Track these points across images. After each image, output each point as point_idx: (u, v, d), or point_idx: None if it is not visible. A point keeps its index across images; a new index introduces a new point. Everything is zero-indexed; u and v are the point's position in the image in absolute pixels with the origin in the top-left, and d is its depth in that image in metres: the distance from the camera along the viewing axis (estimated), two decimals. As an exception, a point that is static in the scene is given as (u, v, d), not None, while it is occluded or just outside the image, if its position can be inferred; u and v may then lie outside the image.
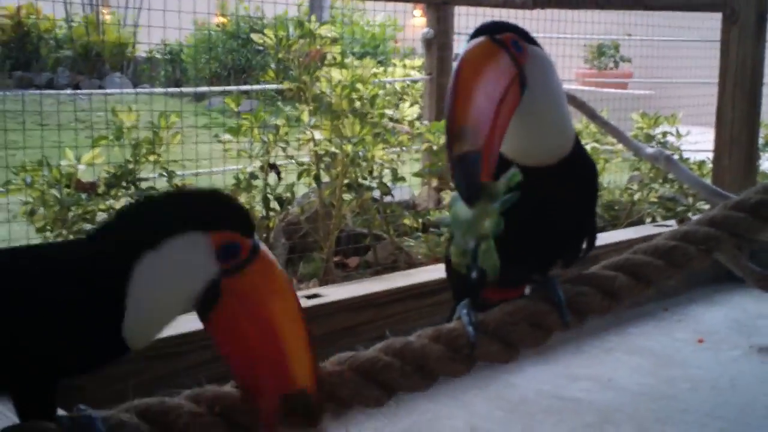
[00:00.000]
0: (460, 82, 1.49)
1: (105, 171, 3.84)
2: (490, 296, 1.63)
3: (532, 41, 1.59)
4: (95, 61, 13.85)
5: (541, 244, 1.62)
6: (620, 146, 5.11)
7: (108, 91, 9.52)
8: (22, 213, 3.64)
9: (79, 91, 10.17)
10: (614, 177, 5.63)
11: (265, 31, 4.50)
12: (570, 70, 11.52)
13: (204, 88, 11.26)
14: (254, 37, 4.65)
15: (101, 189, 3.75)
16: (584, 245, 1.71)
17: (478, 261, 1.44)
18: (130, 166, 3.85)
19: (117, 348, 1.27)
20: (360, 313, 3.04)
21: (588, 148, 4.82)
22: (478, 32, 1.56)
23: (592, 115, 4.16)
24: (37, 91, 8.04)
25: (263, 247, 1.31)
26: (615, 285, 1.61)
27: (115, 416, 1.23)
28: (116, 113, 3.88)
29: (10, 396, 1.29)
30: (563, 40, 8.68)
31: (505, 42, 1.53)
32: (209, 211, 1.30)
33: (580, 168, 1.65)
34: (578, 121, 4.99)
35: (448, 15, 5.34)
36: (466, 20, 5.78)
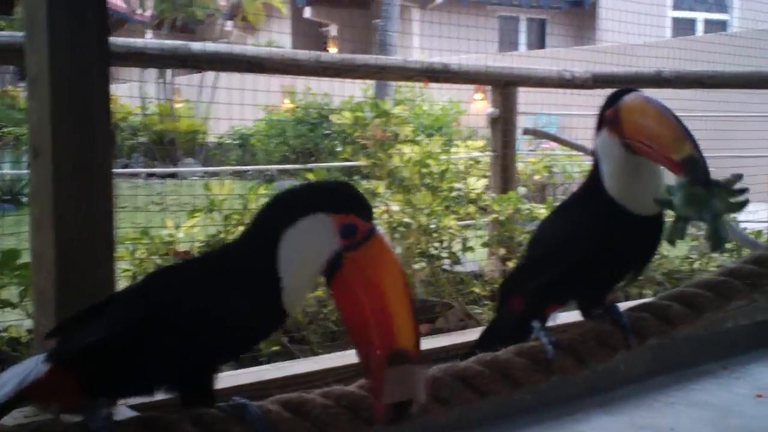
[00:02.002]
0: (670, 113, 1.86)
1: (199, 241, 4.18)
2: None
3: None
4: (168, 147, 14.48)
5: (613, 278, 1.93)
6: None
7: (206, 168, 9.98)
8: (124, 278, 3.98)
9: (182, 169, 10.69)
10: (674, 248, 5.83)
11: (343, 112, 4.87)
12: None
13: (280, 167, 11.69)
14: (333, 117, 5.02)
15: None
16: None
17: (710, 235, 1.72)
18: (221, 235, 4.18)
19: (280, 318, 1.59)
20: (434, 363, 3.28)
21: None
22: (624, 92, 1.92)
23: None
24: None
25: (380, 231, 1.58)
26: (671, 312, 1.88)
27: (264, 405, 1.53)
28: (209, 187, 4.25)
29: (173, 388, 1.59)
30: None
31: None
32: (335, 197, 1.59)
33: (659, 224, 1.95)
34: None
35: (512, 94, 5.62)
36: (526, 97, 6.09)
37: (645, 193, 1.88)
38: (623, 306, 1.97)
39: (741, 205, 1.74)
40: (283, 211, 1.59)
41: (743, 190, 1.75)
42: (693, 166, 1.75)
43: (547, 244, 2.08)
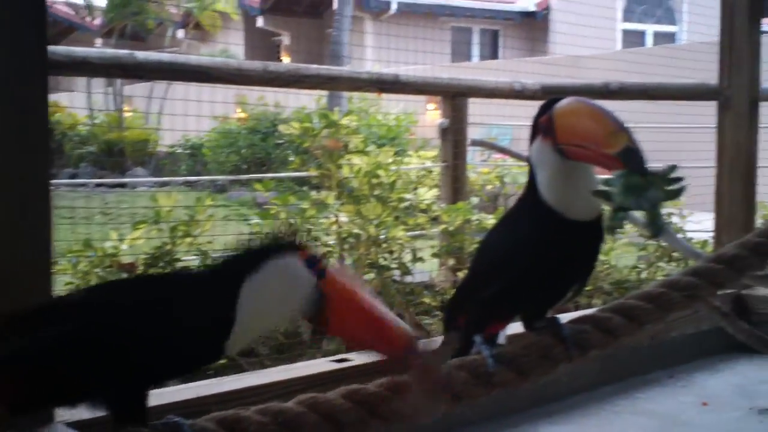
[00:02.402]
0: (601, 109, 1.88)
1: (144, 252, 4.12)
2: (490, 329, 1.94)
3: None
4: (118, 157, 14.33)
5: (557, 289, 1.92)
6: (628, 227, 5.40)
7: (156, 179, 9.91)
8: (65, 291, 3.91)
9: (139, 179, 10.57)
10: (622, 257, 5.90)
11: (292, 122, 4.86)
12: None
13: (231, 177, 11.67)
14: (281, 127, 5.00)
15: (140, 269, 4.03)
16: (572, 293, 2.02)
17: (649, 222, 1.77)
18: (168, 247, 4.13)
19: (217, 355, 1.60)
20: (384, 376, 3.26)
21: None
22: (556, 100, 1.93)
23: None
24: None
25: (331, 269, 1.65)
26: (611, 324, 1.88)
27: (199, 423, 1.50)
28: (155, 198, 4.20)
29: (105, 404, 1.56)
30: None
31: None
32: (291, 239, 1.66)
33: (598, 230, 1.95)
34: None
35: (463, 105, 5.64)
36: (479, 108, 6.12)
37: (580, 199, 1.89)
38: (566, 317, 1.97)
39: (678, 192, 1.78)
40: (246, 258, 1.64)
41: (680, 179, 1.79)
42: (629, 157, 1.77)
43: (486, 257, 2.08)
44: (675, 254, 5.22)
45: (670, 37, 21.83)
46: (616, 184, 1.75)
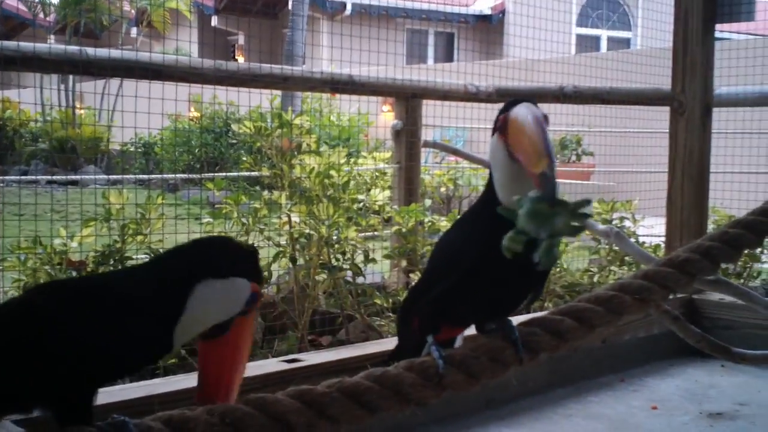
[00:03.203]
0: (542, 129, 1.83)
1: (94, 250, 4.06)
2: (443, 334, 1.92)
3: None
4: (70, 154, 14.14)
5: (505, 291, 1.90)
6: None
7: (108, 177, 9.80)
8: (14, 288, 3.83)
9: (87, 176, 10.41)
10: (574, 260, 5.94)
11: (244, 121, 4.81)
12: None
13: (184, 176, 11.56)
14: (234, 126, 4.97)
15: (90, 267, 3.97)
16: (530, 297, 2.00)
17: (543, 252, 1.72)
18: (118, 245, 4.07)
19: (165, 350, 1.61)
20: (336, 376, 3.24)
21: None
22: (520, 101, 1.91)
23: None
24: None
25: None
26: (562, 327, 1.88)
27: (145, 423, 1.47)
28: (107, 195, 4.13)
29: (47, 405, 1.53)
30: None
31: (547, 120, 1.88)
32: (254, 264, 1.75)
33: None
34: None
35: (417, 107, 5.65)
36: (433, 110, 6.13)
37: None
38: (517, 320, 1.96)
39: (578, 230, 1.75)
40: (204, 263, 1.68)
41: (586, 215, 1.79)
42: (543, 182, 1.75)
43: (436, 256, 2.07)
44: (627, 258, 5.26)
45: (624, 43, 22.10)
46: (524, 206, 1.74)
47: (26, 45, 3.24)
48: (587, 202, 1.76)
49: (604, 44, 22.22)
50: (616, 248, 5.32)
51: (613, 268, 5.47)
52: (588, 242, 5.59)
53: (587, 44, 21.78)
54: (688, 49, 4.75)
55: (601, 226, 4.55)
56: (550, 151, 1.78)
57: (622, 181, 10.71)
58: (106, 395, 2.60)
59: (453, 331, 2.02)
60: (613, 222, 5.57)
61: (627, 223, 5.63)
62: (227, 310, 1.68)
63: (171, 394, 2.72)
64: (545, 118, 1.86)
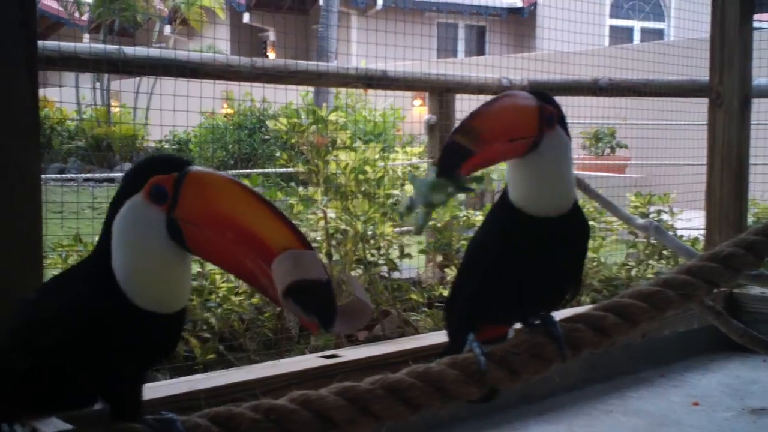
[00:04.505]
0: (499, 104, 1.85)
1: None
2: (483, 332, 1.90)
3: (565, 127, 1.90)
4: (105, 151, 14.27)
5: (535, 287, 1.88)
6: (616, 224, 5.41)
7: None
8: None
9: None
10: (611, 254, 5.89)
11: (279, 118, 4.83)
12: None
13: (226, 172, 11.61)
14: (269, 123, 4.97)
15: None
16: (570, 293, 1.98)
17: (417, 218, 1.77)
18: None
19: (155, 317, 1.50)
20: (373, 371, 3.25)
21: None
22: (535, 94, 1.88)
23: (585, 189, 4.42)
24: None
25: (193, 168, 1.52)
26: (605, 323, 1.86)
27: (192, 420, 1.48)
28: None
29: (105, 401, 1.55)
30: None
31: (544, 111, 1.85)
32: (134, 176, 1.54)
33: (575, 225, 1.92)
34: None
35: (450, 101, 5.64)
36: (468, 104, 6.11)
37: (541, 195, 1.86)
38: (559, 315, 1.95)
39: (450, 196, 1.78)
40: (109, 211, 1.54)
41: (470, 189, 1.79)
42: (448, 150, 1.78)
43: (465, 256, 2.07)
44: (665, 252, 5.22)
45: (658, 34, 21.90)
46: (426, 177, 1.76)
47: (67, 45, 3.29)
48: (482, 180, 1.77)
49: (637, 35, 22.03)
50: (654, 242, 5.27)
51: (651, 262, 5.43)
52: (625, 236, 5.55)
53: (620, 36, 21.61)
54: (726, 40, 4.69)
55: (641, 220, 4.51)
56: (464, 121, 1.80)
57: (657, 174, 10.60)
58: (149, 391, 2.63)
59: (496, 329, 2.01)
60: (651, 215, 5.52)
61: (664, 217, 5.58)
62: (142, 236, 1.48)
63: (212, 390, 2.74)
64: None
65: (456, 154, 1.76)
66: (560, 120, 1.88)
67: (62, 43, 3.29)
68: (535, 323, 1.91)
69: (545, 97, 1.89)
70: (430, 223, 4.90)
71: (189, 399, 2.65)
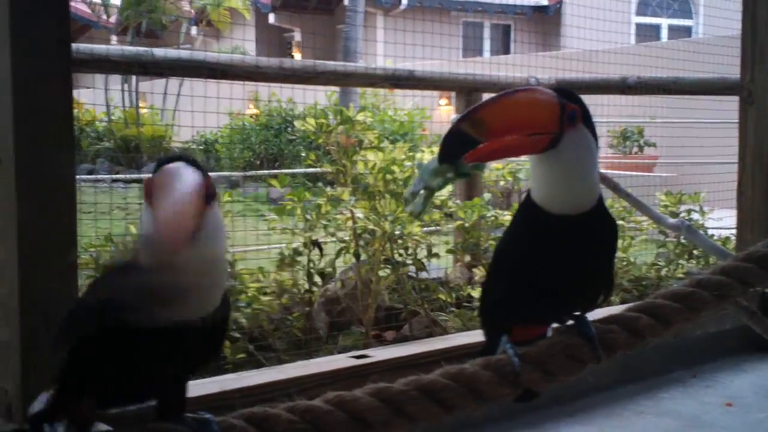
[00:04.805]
0: (514, 96, 1.83)
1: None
2: (518, 333, 1.89)
3: (590, 126, 1.86)
4: (134, 152, 14.37)
5: (563, 288, 1.86)
6: (645, 223, 5.37)
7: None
8: (87, 284, 3.90)
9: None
10: (641, 254, 5.86)
11: (307, 118, 4.84)
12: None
13: (247, 173, 11.67)
14: (297, 123, 4.98)
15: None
16: (602, 294, 1.95)
17: (416, 202, 1.78)
18: (186, 242, 4.10)
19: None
20: (403, 372, 3.26)
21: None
22: (559, 91, 1.85)
23: (615, 188, 4.39)
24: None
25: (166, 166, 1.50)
26: (639, 324, 1.85)
27: (227, 420, 1.49)
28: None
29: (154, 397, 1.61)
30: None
31: (565, 107, 1.81)
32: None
33: (600, 223, 1.88)
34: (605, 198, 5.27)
35: (476, 100, 5.62)
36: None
37: (561, 192, 1.83)
38: (593, 316, 1.93)
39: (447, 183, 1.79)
40: None
41: (467, 174, 1.79)
42: (452, 135, 1.77)
43: (493, 257, 2.05)
44: (695, 251, 5.18)
45: (685, 31, 21.72)
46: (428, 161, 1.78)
47: (99, 47, 3.33)
48: (480, 167, 1.80)
49: (664, 33, 21.86)
50: (684, 241, 5.24)
51: (681, 261, 5.39)
52: (655, 236, 5.52)
53: (647, 33, 21.46)
54: (758, 37, 4.63)
55: (672, 220, 4.47)
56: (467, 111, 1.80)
57: (687, 173, 10.53)
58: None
59: (532, 330, 1.99)
60: (681, 215, 5.48)
61: (695, 216, 5.54)
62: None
63: (244, 390, 2.76)
64: None
65: (458, 142, 1.76)
66: (585, 118, 1.85)
67: (95, 46, 3.33)
68: (569, 324, 1.90)
69: (569, 94, 1.86)
70: (457, 222, 4.90)
71: (221, 399, 2.66)
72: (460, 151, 1.76)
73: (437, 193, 2.25)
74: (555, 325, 1.98)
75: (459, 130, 1.76)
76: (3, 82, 2.26)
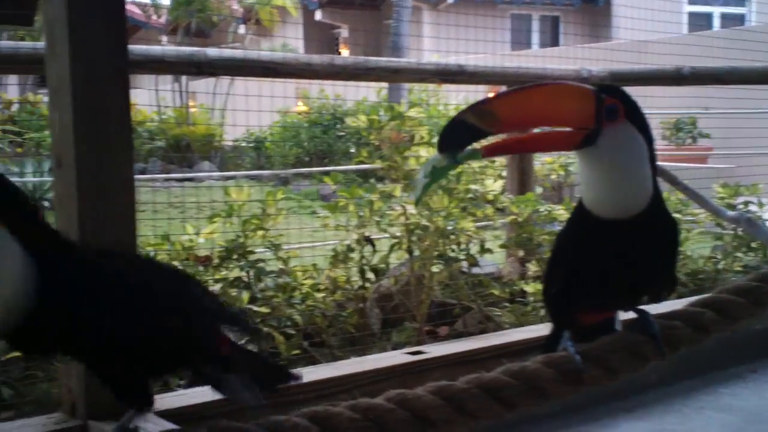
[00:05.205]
0: (533, 90, 1.78)
1: (218, 245, 4.15)
2: (584, 318, 1.88)
3: (639, 122, 1.78)
4: (185, 151, 14.52)
5: (620, 285, 1.83)
6: (702, 216, 5.29)
7: (224, 174, 10.08)
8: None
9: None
10: (697, 247, 5.77)
11: (359, 115, 4.85)
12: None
13: (303, 170, 11.75)
14: (348, 120, 5.00)
15: (215, 262, 4.06)
16: (664, 291, 1.89)
17: (416, 190, 1.83)
18: (241, 240, 4.15)
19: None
20: (459, 368, 3.26)
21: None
22: (600, 86, 1.79)
23: (673, 181, 4.34)
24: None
25: None
26: (703, 320, 1.83)
27: (291, 419, 1.50)
28: (229, 192, 4.22)
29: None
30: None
31: (602, 101, 1.73)
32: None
33: (656, 225, 1.81)
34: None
35: (528, 95, 5.56)
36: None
37: (602, 195, 1.78)
38: (655, 309, 1.91)
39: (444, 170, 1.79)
40: None
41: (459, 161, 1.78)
42: (453, 126, 1.76)
43: (552, 251, 2.04)
44: (753, 244, 5.09)
45: (738, 20, 21.34)
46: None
47: (154, 48, 3.37)
48: (476, 154, 1.77)
49: (717, 22, 21.51)
50: (742, 234, 5.15)
51: (738, 254, 5.31)
52: (711, 228, 5.43)
53: (699, 22, 21.12)
54: (816, 25, 4.55)
55: (731, 213, 4.41)
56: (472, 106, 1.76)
57: (742, 165, 10.35)
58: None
59: (597, 315, 1.96)
60: (738, 207, 5.40)
61: (752, 208, 5.44)
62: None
63: (301, 387, 2.76)
64: None
65: (459, 133, 1.74)
66: (631, 114, 1.76)
67: (150, 47, 3.37)
68: (633, 319, 1.87)
69: (610, 88, 1.78)
70: (510, 217, 4.88)
71: (279, 395, 2.67)
72: (461, 141, 1.74)
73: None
74: (621, 314, 1.95)
75: (462, 121, 1.73)
76: (63, 86, 2.30)
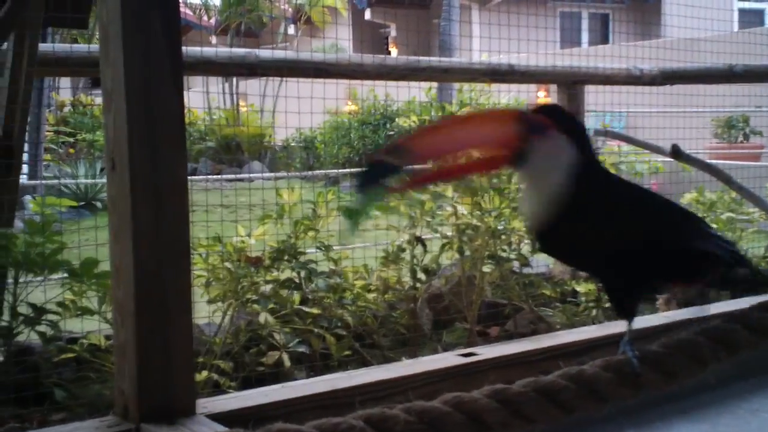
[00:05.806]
0: (444, 122, 1.91)
1: (270, 246, 4.17)
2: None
3: (574, 134, 1.81)
4: (235, 151, 14.66)
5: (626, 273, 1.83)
6: (756, 215, 5.21)
7: (274, 174, 10.17)
8: (197, 284, 3.98)
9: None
10: (752, 246, 5.68)
11: (411, 114, 4.86)
12: (699, 142, 11.54)
13: (347, 170, 11.81)
14: (399, 120, 5.01)
15: (267, 263, 4.09)
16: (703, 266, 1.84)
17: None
18: (291, 241, 4.18)
19: None
20: (512, 369, 3.24)
21: (723, 217, 4.94)
22: (542, 108, 1.84)
23: (727, 180, 4.29)
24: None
25: None
26: (765, 324, 1.81)
27: (346, 421, 1.50)
28: (280, 193, 4.25)
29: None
30: (693, 114, 8.82)
31: (525, 120, 1.77)
32: None
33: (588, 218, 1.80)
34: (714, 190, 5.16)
35: (579, 93, 5.53)
36: (595, 98, 5.99)
37: (532, 210, 1.86)
38: (713, 313, 1.90)
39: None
40: None
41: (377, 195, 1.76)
42: (370, 168, 1.76)
43: None
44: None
45: (790, 16, 20.98)
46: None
47: (208, 50, 3.40)
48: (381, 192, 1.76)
49: (768, 19, 21.16)
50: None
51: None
52: (766, 228, 5.34)
53: (750, 19, 20.79)
54: None
55: (785, 212, 4.34)
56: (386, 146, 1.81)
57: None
58: (290, 390, 2.70)
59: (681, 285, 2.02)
60: (792, 207, 5.31)
61: (806, 209, 5.34)
62: None
63: (353, 389, 2.77)
64: None
65: (375, 173, 1.73)
66: (563, 125, 1.79)
67: (204, 48, 3.40)
68: (688, 323, 1.87)
69: (544, 108, 1.84)
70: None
71: (332, 397, 2.68)
72: (376, 180, 1.74)
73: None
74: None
75: (377, 162, 1.74)
76: (117, 88, 2.31)
